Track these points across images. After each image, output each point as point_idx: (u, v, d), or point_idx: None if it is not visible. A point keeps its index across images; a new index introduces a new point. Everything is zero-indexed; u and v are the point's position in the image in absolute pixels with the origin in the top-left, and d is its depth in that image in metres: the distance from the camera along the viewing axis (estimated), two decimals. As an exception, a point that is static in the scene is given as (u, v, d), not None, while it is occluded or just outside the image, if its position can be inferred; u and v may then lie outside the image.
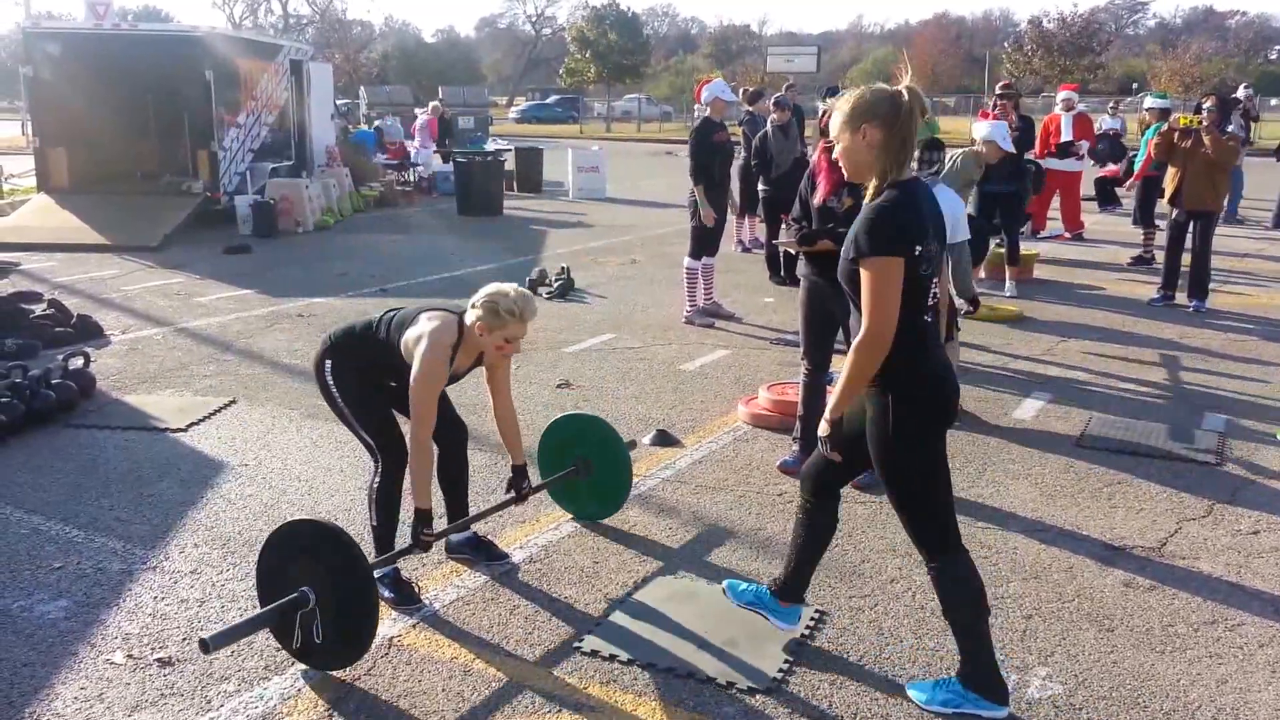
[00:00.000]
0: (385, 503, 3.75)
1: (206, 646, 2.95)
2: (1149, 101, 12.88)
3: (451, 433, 3.90)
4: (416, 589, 3.70)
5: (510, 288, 3.53)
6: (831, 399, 2.93)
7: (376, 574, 3.48)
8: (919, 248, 2.76)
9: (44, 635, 3.42)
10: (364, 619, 3.12)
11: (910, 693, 3.08)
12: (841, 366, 2.91)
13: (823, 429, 2.96)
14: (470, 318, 3.53)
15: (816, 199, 4.75)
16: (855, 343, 2.81)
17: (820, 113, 6.31)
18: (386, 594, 3.61)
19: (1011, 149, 7.82)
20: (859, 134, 2.80)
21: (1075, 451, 5.26)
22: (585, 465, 4.30)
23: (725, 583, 3.46)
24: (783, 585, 3.31)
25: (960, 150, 7.56)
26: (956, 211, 5.65)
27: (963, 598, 2.95)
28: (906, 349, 2.81)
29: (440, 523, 3.85)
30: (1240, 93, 19.13)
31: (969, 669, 2.98)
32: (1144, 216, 11.24)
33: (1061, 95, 12.44)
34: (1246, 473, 4.98)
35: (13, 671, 3.21)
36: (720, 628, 3.45)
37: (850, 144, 2.84)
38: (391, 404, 3.78)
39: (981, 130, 7.60)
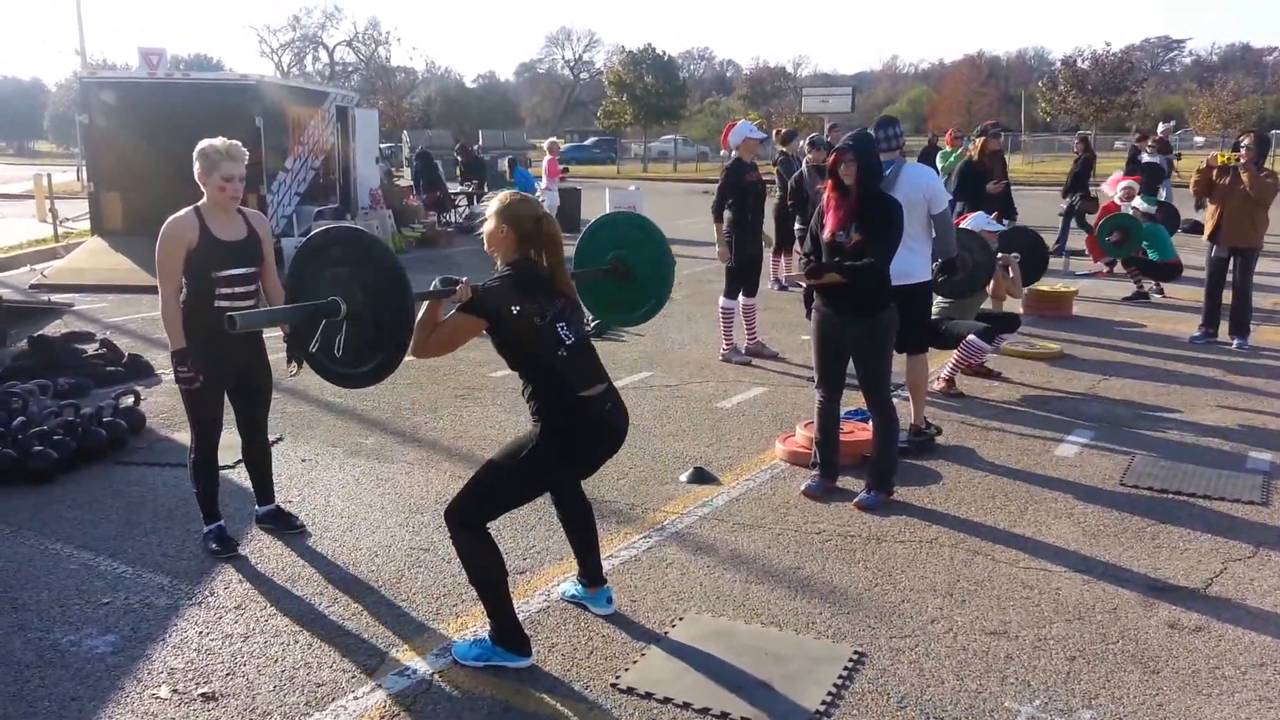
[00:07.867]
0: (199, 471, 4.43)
1: (233, 323, 3.12)
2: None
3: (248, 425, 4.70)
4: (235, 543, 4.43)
5: (218, 139, 4.20)
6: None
7: (205, 529, 4.39)
8: (516, 307, 3.31)
9: (92, 669, 3.49)
10: (393, 341, 3.16)
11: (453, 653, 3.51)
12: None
13: None
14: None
15: (825, 234, 4.91)
16: None
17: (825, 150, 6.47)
18: (213, 545, 4.38)
19: (999, 228, 8.03)
20: (499, 228, 3.44)
21: (1118, 491, 5.20)
22: (623, 270, 4.17)
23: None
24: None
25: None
26: (934, 184, 5.82)
27: (480, 567, 3.43)
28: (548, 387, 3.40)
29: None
30: (1160, 127, 18.81)
31: (495, 627, 3.46)
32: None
33: (1122, 184, 11.53)
34: (1295, 513, 4.89)
35: (61, 705, 3.27)
36: (757, 667, 3.45)
37: (492, 230, 3.45)
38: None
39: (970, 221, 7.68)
